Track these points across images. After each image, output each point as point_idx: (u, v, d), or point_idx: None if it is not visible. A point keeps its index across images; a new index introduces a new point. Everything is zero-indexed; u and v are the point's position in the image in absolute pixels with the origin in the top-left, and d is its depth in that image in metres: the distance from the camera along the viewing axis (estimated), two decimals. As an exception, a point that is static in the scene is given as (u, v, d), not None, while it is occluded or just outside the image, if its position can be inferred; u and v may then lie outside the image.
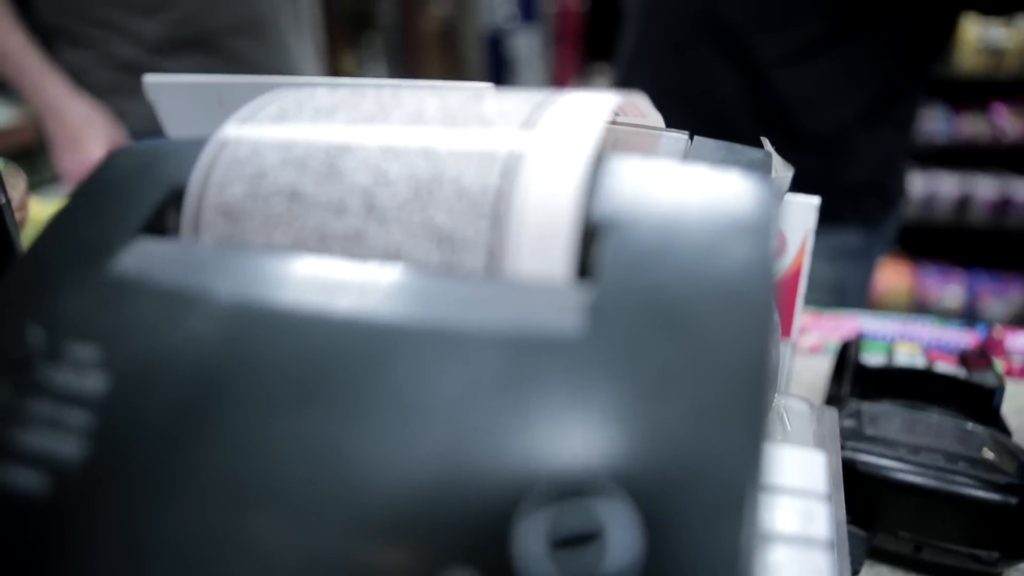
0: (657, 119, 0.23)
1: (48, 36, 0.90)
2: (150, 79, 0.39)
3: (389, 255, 0.15)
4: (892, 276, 2.19)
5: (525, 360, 0.12)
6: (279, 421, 0.13)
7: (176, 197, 0.17)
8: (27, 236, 0.44)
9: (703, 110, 0.80)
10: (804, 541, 0.16)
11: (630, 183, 0.14)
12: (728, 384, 0.11)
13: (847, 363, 0.45)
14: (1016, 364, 0.57)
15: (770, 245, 0.14)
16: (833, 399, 0.43)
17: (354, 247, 0.15)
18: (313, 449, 0.12)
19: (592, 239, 0.14)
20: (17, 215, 0.40)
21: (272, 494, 0.12)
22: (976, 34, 1.89)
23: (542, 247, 0.14)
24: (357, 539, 0.11)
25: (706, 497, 0.11)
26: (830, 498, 0.17)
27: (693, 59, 0.80)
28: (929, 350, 0.46)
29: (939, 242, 2.22)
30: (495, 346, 0.13)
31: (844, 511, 0.26)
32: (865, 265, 0.89)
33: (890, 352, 0.45)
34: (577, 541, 0.11)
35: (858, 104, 0.78)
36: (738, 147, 0.23)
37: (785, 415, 0.25)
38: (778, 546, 0.16)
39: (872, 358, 0.45)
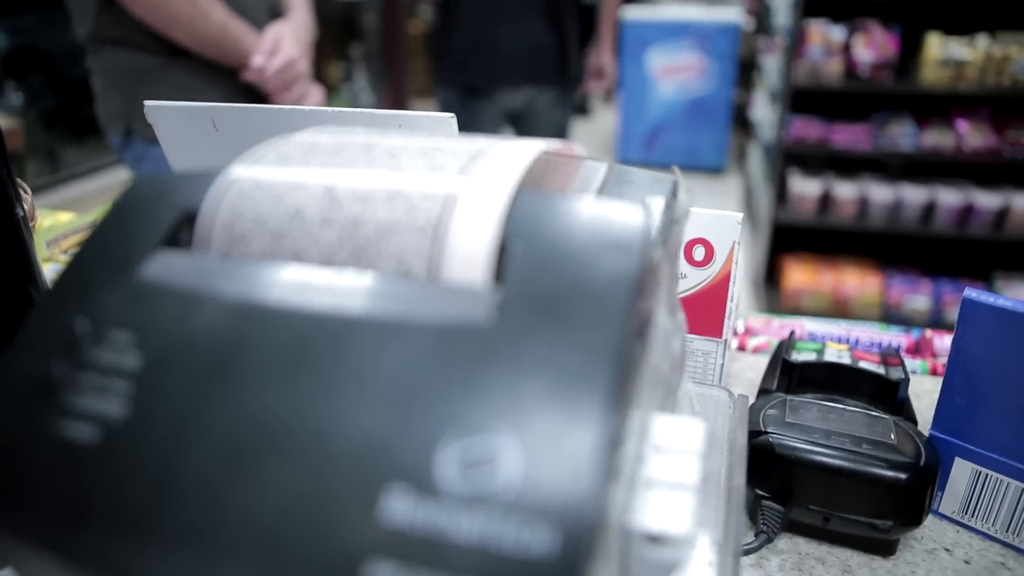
0: (582, 153, 0.28)
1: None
2: (150, 104, 0.44)
3: (360, 263, 0.20)
4: (862, 284, 2.27)
5: (451, 341, 0.17)
6: (272, 386, 0.17)
7: (188, 219, 0.22)
8: (37, 245, 0.48)
9: None
10: (677, 486, 0.21)
11: (535, 213, 0.19)
12: (591, 358, 0.16)
13: (778, 360, 0.50)
14: (941, 363, 0.62)
15: (635, 259, 0.18)
16: (764, 391, 0.48)
17: (334, 257, 0.20)
18: (297, 405, 0.17)
19: (504, 254, 0.19)
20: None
21: (267, 439, 0.17)
22: (938, 50, 1.97)
23: (468, 261, 0.18)
24: (328, 465, 0.16)
25: (569, 435, 0.16)
26: (702, 455, 0.22)
27: None
28: (855, 350, 0.51)
29: (906, 250, 2.29)
30: (431, 331, 0.17)
31: (744, 476, 0.31)
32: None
33: (820, 351, 0.50)
34: (479, 464, 0.16)
35: None
36: (648, 172, 0.27)
37: (694, 399, 0.30)
38: (655, 488, 0.21)
39: (802, 356, 0.50)
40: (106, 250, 0.21)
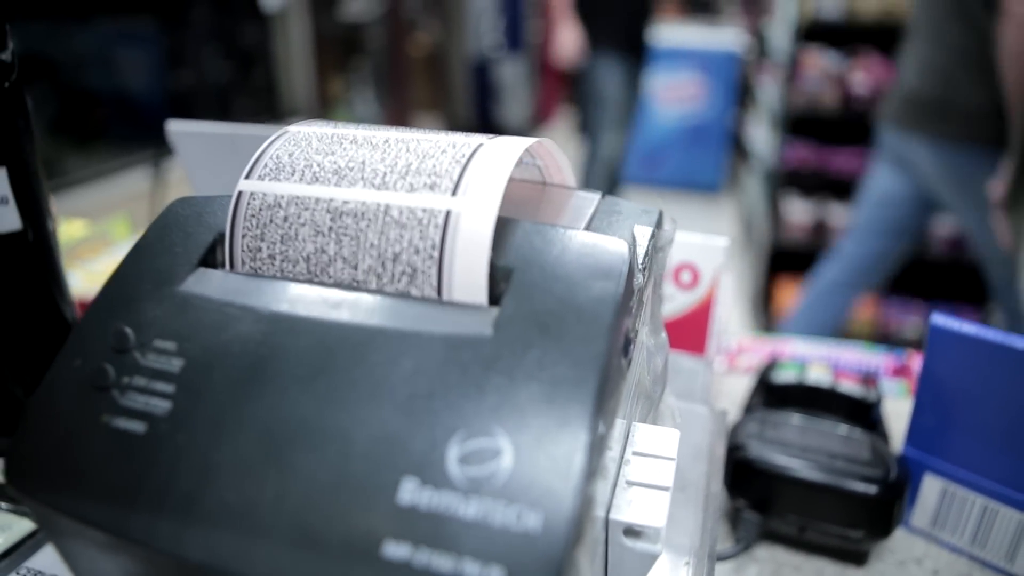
0: (565, 160, 0.31)
1: None
2: (173, 126, 0.47)
3: (372, 284, 0.22)
4: (857, 308, 2.30)
5: (455, 352, 0.20)
6: (300, 388, 0.20)
7: (222, 238, 0.24)
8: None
9: None
10: (652, 487, 0.23)
11: (529, 242, 0.22)
12: (576, 368, 0.19)
13: (761, 380, 0.52)
14: (921, 385, 0.65)
15: (619, 285, 0.21)
16: (748, 409, 0.51)
17: (347, 276, 0.23)
18: (321, 406, 0.19)
19: (502, 279, 0.21)
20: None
21: (296, 434, 0.19)
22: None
23: (467, 283, 0.21)
24: (348, 459, 0.19)
25: (557, 435, 0.18)
26: (675, 460, 0.24)
27: None
28: (837, 370, 0.53)
29: (901, 276, 2.32)
30: (437, 342, 0.20)
31: (720, 483, 0.34)
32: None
33: (802, 371, 0.53)
34: (482, 460, 0.18)
35: None
36: (636, 204, 0.30)
37: (676, 411, 0.33)
38: (633, 488, 0.23)
39: (785, 376, 0.52)
40: (150, 266, 0.24)
